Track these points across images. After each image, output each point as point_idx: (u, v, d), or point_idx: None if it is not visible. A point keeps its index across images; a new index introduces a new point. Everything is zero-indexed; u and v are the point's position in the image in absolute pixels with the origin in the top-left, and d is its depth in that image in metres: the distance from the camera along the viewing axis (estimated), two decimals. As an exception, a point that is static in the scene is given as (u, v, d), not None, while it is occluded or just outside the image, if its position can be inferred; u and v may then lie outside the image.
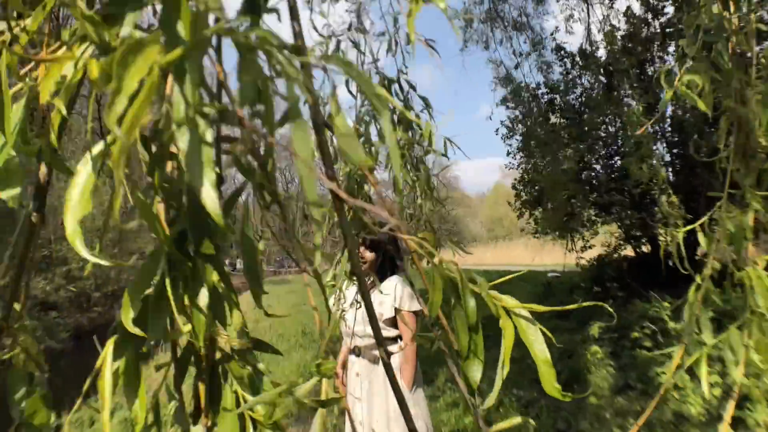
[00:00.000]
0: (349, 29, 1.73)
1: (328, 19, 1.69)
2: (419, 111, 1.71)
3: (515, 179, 9.81)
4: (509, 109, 9.75)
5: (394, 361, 2.70)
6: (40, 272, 13.99)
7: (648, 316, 5.14)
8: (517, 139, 9.61)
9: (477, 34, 11.22)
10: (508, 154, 9.84)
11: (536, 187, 9.15)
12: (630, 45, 7.29)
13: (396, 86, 1.69)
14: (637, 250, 8.19)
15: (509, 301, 0.63)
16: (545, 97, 9.12)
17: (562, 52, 8.88)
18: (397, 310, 2.70)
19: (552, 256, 10.41)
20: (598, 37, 9.27)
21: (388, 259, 2.83)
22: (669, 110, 7.10)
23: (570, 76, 8.79)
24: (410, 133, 1.66)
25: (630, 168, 5.77)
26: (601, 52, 8.52)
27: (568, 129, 8.18)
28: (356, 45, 1.70)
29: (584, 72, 8.54)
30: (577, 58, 8.65)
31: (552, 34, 10.13)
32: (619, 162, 7.90)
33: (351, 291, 2.84)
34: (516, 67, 10.54)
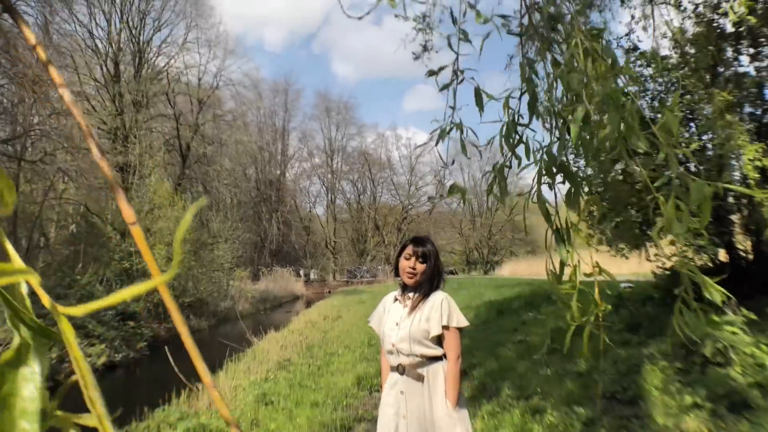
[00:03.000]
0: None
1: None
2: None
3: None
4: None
5: (439, 380, 2.64)
6: (122, 284, 14.84)
7: (720, 330, 4.85)
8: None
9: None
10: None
11: (607, 197, 8.82)
12: (700, 47, 6.95)
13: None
14: (715, 259, 7.76)
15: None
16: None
17: (637, 54, 8.55)
18: (444, 327, 2.62)
19: (628, 266, 10.11)
20: (664, 40, 8.86)
21: (436, 273, 2.75)
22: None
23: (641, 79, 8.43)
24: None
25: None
26: (669, 54, 8.16)
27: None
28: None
29: (656, 74, 8.19)
30: (649, 60, 8.31)
31: (627, 35, 9.74)
32: (693, 167, 7.50)
33: (395, 306, 2.81)
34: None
